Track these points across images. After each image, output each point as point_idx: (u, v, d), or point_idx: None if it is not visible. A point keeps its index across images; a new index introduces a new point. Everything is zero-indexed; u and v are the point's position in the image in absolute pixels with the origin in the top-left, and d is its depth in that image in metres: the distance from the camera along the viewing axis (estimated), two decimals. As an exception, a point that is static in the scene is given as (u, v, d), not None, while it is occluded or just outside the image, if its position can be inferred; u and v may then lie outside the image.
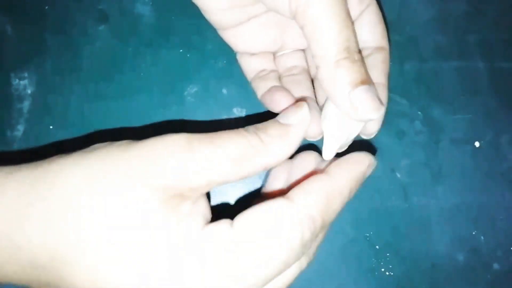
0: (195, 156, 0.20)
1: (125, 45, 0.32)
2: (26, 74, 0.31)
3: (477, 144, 0.32)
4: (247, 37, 0.27)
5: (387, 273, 0.30)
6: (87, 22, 0.32)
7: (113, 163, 0.19)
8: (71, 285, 0.19)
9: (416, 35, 0.33)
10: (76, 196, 0.19)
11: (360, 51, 0.22)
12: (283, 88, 0.27)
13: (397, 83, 0.32)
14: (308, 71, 0.29)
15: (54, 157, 0.21)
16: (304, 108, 0.23)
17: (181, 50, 0.32)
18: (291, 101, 0.25)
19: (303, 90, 0.27)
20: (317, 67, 0.22)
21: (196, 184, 0.20)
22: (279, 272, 0.20)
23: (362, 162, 0.22)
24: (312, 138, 0.25)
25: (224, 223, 0.20)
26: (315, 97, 0.27)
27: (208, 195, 0.22)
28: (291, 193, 0.21)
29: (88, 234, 0.19)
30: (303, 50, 0.29)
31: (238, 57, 0.29)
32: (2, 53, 0.31)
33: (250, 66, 0.29)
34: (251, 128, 0.21)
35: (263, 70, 0.28)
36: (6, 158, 0.30)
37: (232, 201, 0.31)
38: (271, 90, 0.26)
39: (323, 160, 0.25)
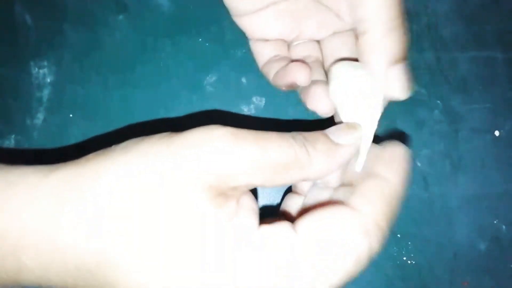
0: (240, 155, 0.19)
1: (144, 35, 0.32)
2: (45, 63, 0.31)
3: (497, 133, 0.32)
4: (264, 24, 0.27)
5: (409, 262, 0.30)
6: (106, 12, 0.32)
7: (156, 158, 0.19)
8: None
9: (434, 25, 0.33)
10: (119, 196, 0.18)
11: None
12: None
13: (415, 73, 0.32)
14: (321, 62, 0.28)
15: (90, 155, 0.20)
16: (358, 131, 0.22)
17: (200, 40, 0.32)
18: (308, 71, 0.24)
19: (316, 75, 0.26)
20: (361, 34, 0.22)
21: (236, 184, 0.19)
22: (343, 284, 0.19)
23: (403, 156, 0.21)
24: (324, 115, 0.25)
25: (284, 225, 0.19)
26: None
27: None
28: (353, 201, 0.20)
29: (135, 237, 0.18)
30: (318, 42, 0.29)
31: (251, 43, 0.29)
32: (22, 42, 0.31)
33: (263, 52, 0.28)
34: (298, 137, 0.21)
35: (276, 56, 0.28)
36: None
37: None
38: (286, 66, 0.26)
39: None
